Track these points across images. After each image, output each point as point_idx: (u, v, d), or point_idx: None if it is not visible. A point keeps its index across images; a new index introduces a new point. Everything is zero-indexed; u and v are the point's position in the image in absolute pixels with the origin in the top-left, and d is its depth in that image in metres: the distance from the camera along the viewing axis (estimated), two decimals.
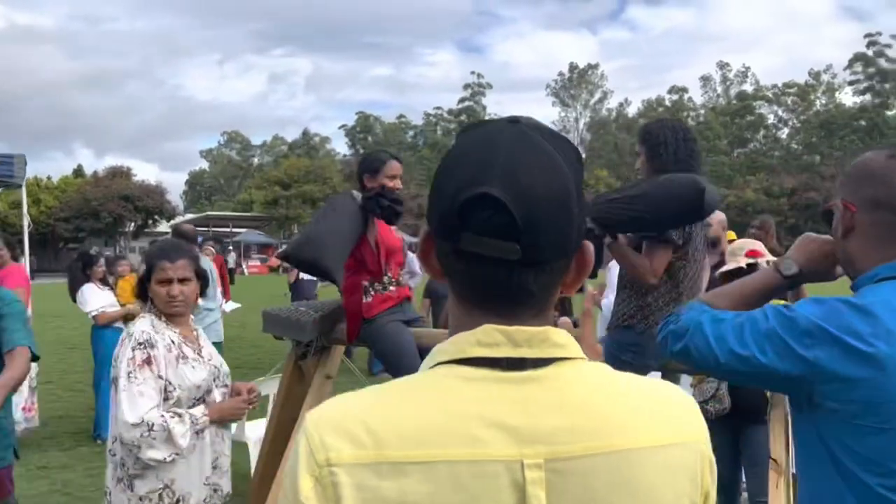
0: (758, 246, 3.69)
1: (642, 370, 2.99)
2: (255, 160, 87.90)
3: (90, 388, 8.73)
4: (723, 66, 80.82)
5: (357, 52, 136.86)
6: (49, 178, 49.79)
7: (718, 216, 4.32)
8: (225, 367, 2.84)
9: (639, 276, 2.88)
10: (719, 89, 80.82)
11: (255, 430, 4.99)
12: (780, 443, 2.74)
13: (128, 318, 6.89)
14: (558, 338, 0.82)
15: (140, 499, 2.56)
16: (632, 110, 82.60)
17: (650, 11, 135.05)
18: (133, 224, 46.97)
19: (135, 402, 2.48)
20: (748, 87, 77.56)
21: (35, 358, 2.89)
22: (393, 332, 3.48)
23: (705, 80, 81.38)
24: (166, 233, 45.53)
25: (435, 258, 0.88)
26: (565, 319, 5.75)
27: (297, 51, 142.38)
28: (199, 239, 9.11)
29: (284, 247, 3.76)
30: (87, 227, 44.81)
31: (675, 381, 3.81)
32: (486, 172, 0.79)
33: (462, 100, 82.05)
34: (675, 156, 2.92)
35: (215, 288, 6.36)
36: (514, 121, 0.85)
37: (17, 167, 8.24)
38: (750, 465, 3.76)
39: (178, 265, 2.71)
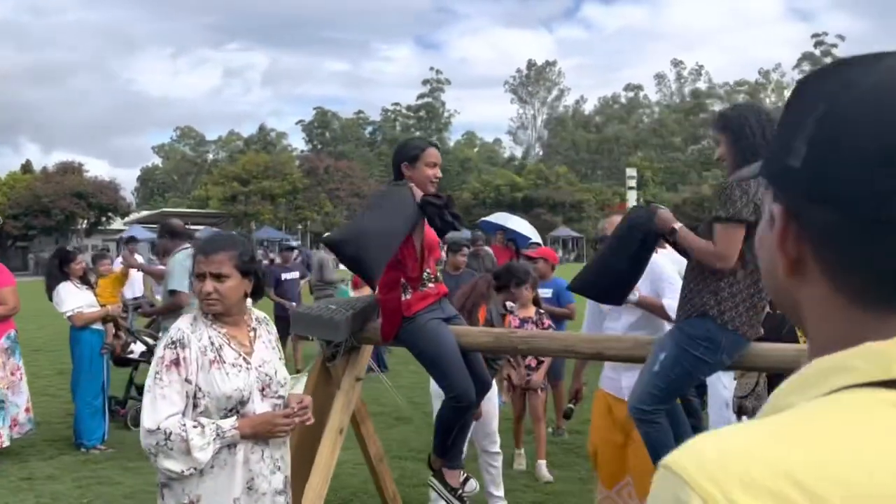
0: None
1: (715, 367, 2.85)
2: (210, 156, 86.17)
3: (64, 392, 8.33)
4: (677, 63, 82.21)
5: (314, 48, 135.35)
6: None
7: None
8: (281, 375, 2.58)
9: (706, 262, 2.73)
10: (673, 87, 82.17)
11: None
12: None
13: (107, 319, 6.54)
14: None
15: None
16: (588, 107, 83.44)
17: (605, 10, 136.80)
18: (86, 221, 45.47)
19: (156, 405, 2.30)
20: (702, 85, 79.00)
21: None
22: (434, 331, 3.29)
23: (660, 77, 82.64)
24: (121, 230, 44.39)
25: (795, 243, 0.66)
26: None
27: (253, 45, 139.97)
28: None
29: (331, 234, 3.47)
30: (37, 224, 43.20)
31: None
32: None
33: (421, 96, 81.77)
34: (763, 137, 2.78)
35: None
36: None
37: None
38: None
39: (214, 259, 2.47)
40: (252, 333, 2.58)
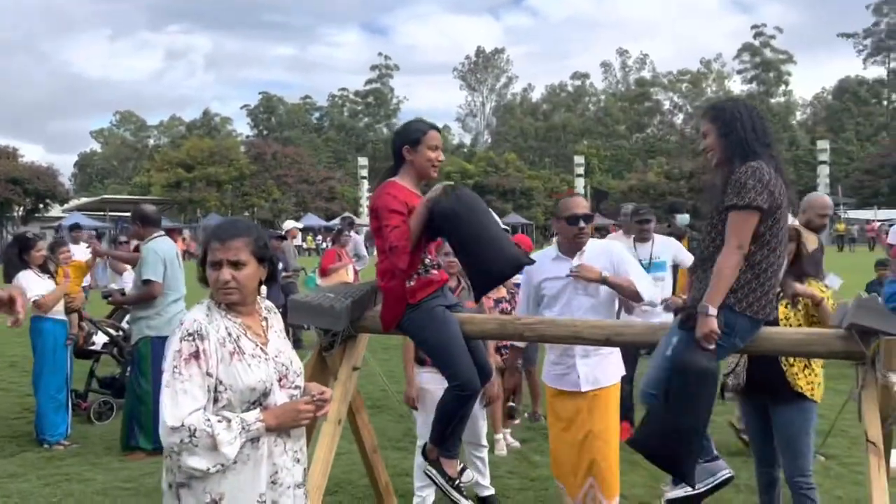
0: None
1: (729, 350, 2.87)
2: (151, 141, 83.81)
3: (17, 386, 8.00)
4: (622, 52, 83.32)
5: (258, 31, 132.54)
6: None
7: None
8: (297, 365, 2.48)
9: (730, 261, 2.73)
10: (619, 76, 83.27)
11: None
12: (875, 424, 2.67)
13: (70, 307, 6.27)
14: None
15: None
16: (536, 95, 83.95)
17: None
18: (22, 209, 43.68)
19: (177, 401, 2.16)
20: (646, 74, 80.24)
21: None
22: (440, 319, 3.23)
23: (606, 66, 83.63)
24: (59, 217, 42.90)
25: None
26: None
27: (195, 28, 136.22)
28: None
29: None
30: None
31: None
32: None
33: (369, 81, 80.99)
34: (753, 131, 2.83)
35: (181, 275, 5.83)
36: None
37: None
38: (780, 444, 3.73)
39: (231, 246, 2.33)
40: (265, 323, 2.48)
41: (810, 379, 3.62)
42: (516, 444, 5.86)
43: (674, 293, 6.14)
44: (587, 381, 3.68)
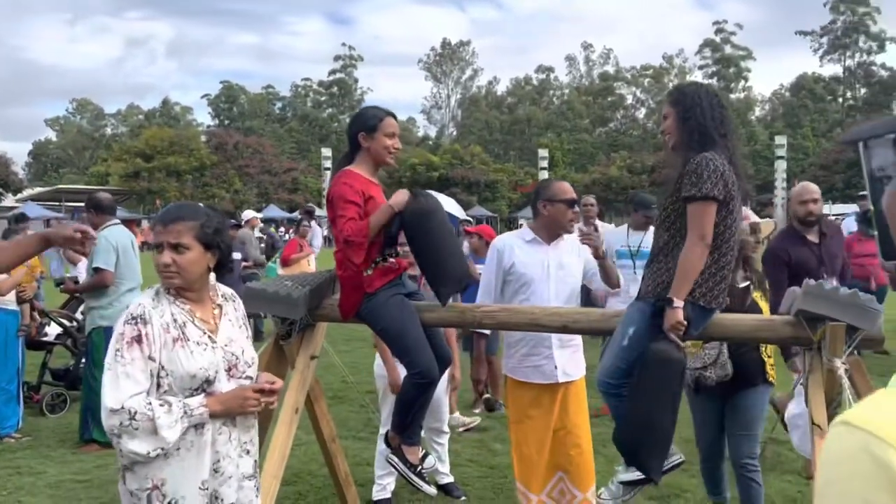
0: None
1: (683, 339, 2.91)
2: (109, 130, 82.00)
3: None
4: (587, 46, 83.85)
5: (220, 18, 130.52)
6: None
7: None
8: (249, 355, 2.46)
9: (694, 254, 2.76)
10: (583, 70, 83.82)
11: None
12: (821, 408, 2.74)
13: (22, 298, 6.12)
14: None
15: (130, 494, 2.25)
16: (501, 88, 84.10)
17: None
18: None
19: (118, 384, 2.15)
20: (610, 69, 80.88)
21: None
22: (398, 308, 3.23)
23: (570, 60, 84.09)
24: (13, 208, 41.68)
25: None
26: None
27: (155, 14, 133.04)
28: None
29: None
30: None
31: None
32: None
33: (332, 72, 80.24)
34: (711, 119, 2.85)
35: (136, 264, 5.73)
36: None
37: None
38: (736, 428, 3.82)
39: (172, 229, 2.30)
40: (217, 311, 2.45)
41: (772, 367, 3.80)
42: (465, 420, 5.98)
43: None
44: (563, 372, 3.59)
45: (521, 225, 3.93)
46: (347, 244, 3.09)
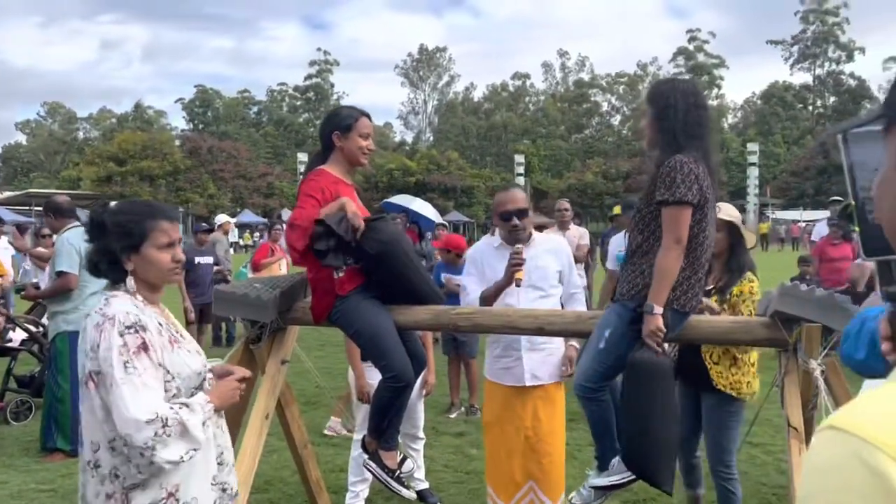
0: None
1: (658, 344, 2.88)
2: (81, 134, 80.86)
3: None
4: (562, 54, 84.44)
5: (197, 23, 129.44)
6: None
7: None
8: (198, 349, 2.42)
9: (670, 258, 2.73)
10: (559, 76, 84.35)
11: None
12: (797, 410, 2.73)
13: None
14: None
15: None
16: (477, 94, 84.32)
17: None
18: None
19: (140, 396, 2.03)
20: (585, 76, 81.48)
21: None
22: (371, 310, 3.16)
23: (546, 66, 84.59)
24: None
25: None
26: None
27: (129, 18, 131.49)
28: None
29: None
30: None
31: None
32: None
33: (309, 77, 79.90)
34: (685, 122, 2.80)
35: None
36: None
37: None
38: (706, 433, 3.82)
39: (177, 226, 2.30)
40: (166, 312, 2.38)
41: (736, 378, 3.63)
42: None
43: None
44: (533, 375, 3.57)
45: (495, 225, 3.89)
46: (291, 227, 3.03)
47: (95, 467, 2.10)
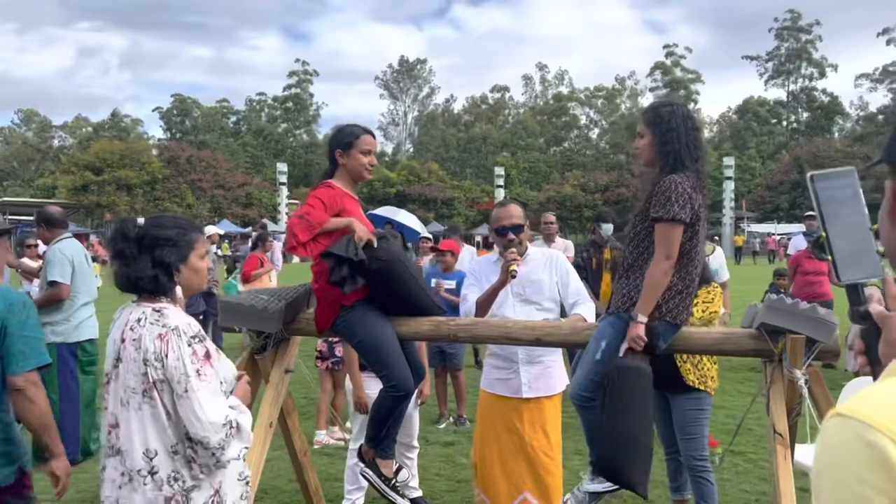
0: None
1: (651, 353, 3.02)
2: (56, 142, 79.96)
3: None
4: (542, 67, 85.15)
5: (176, 31, 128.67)
6: None
7: None
8: None
9: (660, 272, 2.88)
10: (538, 89, 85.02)
11: None
12: (782, 417, 2.87)
13: None
14: None
15: None
16: (457, 106, 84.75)
17: (475, 11, 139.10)
18: None
19: (214, 400, 2.21)
20: (564, 89, 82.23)
21: None
22: (375, 321, 3.27)
23: (527, 79, 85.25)
24: None
25: None
26: None
27: (108, 26, 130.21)
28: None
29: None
30: None
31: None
32: None
33: (288, 87, 79.80)
34: (686, 144, 2.95)
35: (93, 278, 5.63)
36: None
37: None
38: (677, 430, 4.02)
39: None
40: None
41: (702, 373, 3.94)
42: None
43: None
44: (529, 387, 3.64)
45: (478, 242, 4.05)
46: (299, 219, 3.11)
47: (151, 474, 2.19)
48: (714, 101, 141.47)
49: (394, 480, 3.47)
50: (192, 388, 2.16)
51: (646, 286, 2.88)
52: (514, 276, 3.50)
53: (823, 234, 1.40)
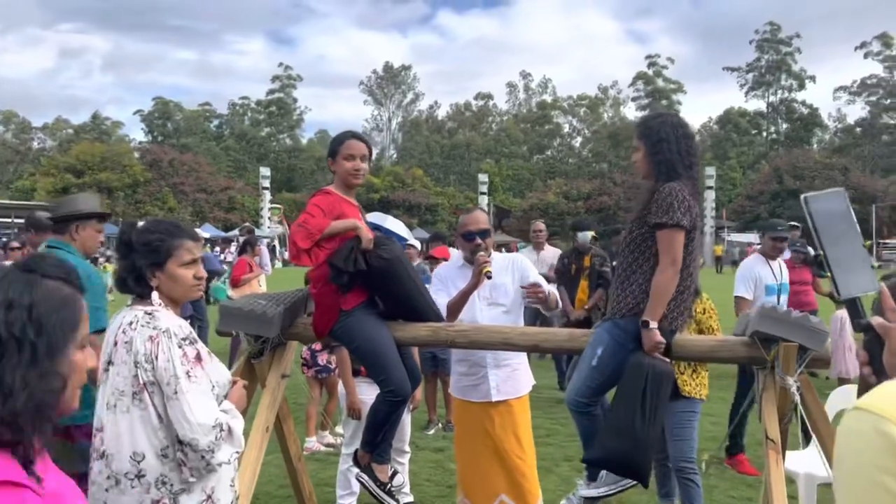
0: None
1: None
2: (35, 144, 79.11)
3: None
4: (525, 75, 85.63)
5: (160, 34, 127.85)
6: None
7: None
8: None
9: (666, 279, 2.92)
10: (522, 97, 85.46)
11: None
12: (774, 423, 2.93)
13: None
14: None
15: None
16: (441, 113, 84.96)
17: (459, 19, 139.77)
18: None
19: (204, 402, 2.21)
20: (547, 98, 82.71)
21: None
22: (373, 326, 3.29)
23: (511, 87, 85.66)
24: None
25: None
26: None
27: (90, 28, 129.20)
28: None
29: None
30: None
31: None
32: None
33: (271, 91, 79.59)
34: (678, 152, 3.01)
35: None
36: None
37: None
38: (668, 433, 4.11)
39: (200, 244, 2.47)
40: None
41: (697, 382, 4.10)
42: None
43: None
44: (498, 391, 3.70)
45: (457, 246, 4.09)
46: (298, 227, 3.15)
47: (138, 477, 2.19)
48: (695, 112, 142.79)
49: (389, 485, 3.49)
50: (182, 390, 2.17)
51: (653, 293, 2.92)
52: (489, 277, 3.56)
53: (822, 252, 1.48)
